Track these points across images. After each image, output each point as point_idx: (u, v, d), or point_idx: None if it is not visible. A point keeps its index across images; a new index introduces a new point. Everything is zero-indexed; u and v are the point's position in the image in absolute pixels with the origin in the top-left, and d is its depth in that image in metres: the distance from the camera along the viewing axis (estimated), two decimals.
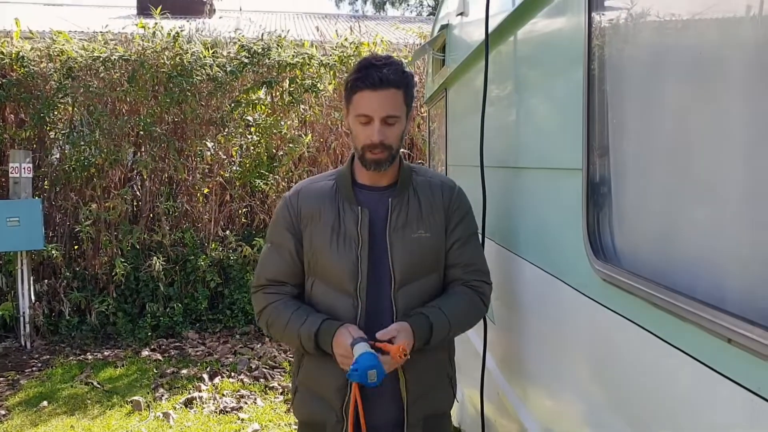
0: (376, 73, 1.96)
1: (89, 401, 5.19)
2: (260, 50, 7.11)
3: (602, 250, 1.48)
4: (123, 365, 5.98)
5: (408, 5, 26.28)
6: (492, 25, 2.39)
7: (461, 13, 3.28)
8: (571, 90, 1.64)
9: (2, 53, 6.89)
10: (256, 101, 7.19)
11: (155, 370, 5.84)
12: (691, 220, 1.21)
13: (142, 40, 7.00)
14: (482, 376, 2.46)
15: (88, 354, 6.32)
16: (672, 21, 1.28)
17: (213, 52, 7.08)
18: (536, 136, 2.10)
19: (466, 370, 2.78)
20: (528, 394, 2.22)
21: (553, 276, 1.88)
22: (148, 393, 5.32)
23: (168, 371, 5.80)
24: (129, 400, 5.13)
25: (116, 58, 6.77)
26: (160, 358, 6.18)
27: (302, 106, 7.38)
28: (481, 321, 2.34)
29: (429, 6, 24.45)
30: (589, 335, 1.63)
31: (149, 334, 6.63)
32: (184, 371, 5.80)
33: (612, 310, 1.43)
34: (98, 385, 5.50)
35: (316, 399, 2.13)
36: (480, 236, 2.36)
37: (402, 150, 7.73)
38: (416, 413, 2.08)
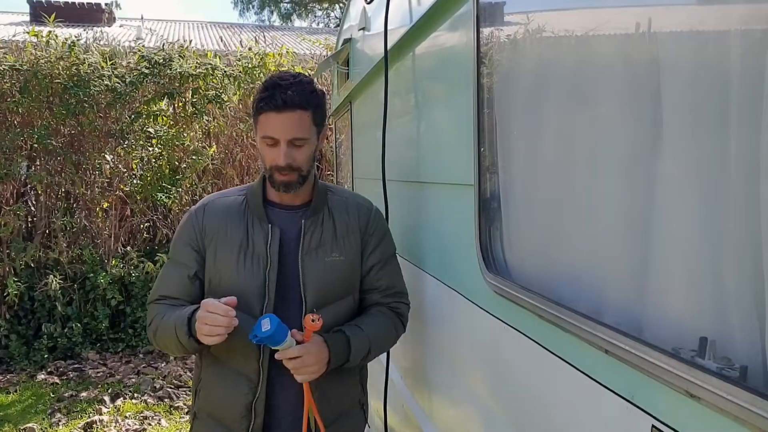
0: (280, 95, 1.87)
1: None
2: (161, 60, 6.93)
3: (494, 263, 1.53)
4: (16, 391, 5.66)
5: (315, 16, 26.26)
6: (391, 41, 2.43)
7: (363, 28, 3.31)
8: (463, 106, 1.68)
9: None
10: (158, 112, 7.00)
11: (52, 395, 5.57)
12: (573, 235, 1.26)
13: (35, 49, 6.70)
14: (386, 388, 2.48)
15: None
16: (555, 40, 1.34)
17: (112, 63, 6.86)
18: (434, 151, 2.15)
19: (372, 382, 2.79)
20: (430, 406, 2.25)
21: (451, 288, 1.92)
22: (43, 419, 5.06)
23: (66, 395, 5.54)
24: (22, 427, 4.87)
25: (6, 68, 6.45)
26: (58, 381, 5.90)
27: (206, 118, 7.24)
28: None
29: (336, 18, 24.52)
30: (485, 346, 1.67)
31: (46, 356, 6.32)
32: (84, 394, 5.56)
33: (503, 322, 1.47)
34: None
35: (218, 426, 2.01)
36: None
37: None
38: None
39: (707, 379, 0.79)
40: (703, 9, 0.95)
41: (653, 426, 0.91)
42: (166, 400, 5.47)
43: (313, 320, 1.79)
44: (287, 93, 1.88)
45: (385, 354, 2.46)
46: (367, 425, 2.25)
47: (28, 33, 7.01)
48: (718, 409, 0.78)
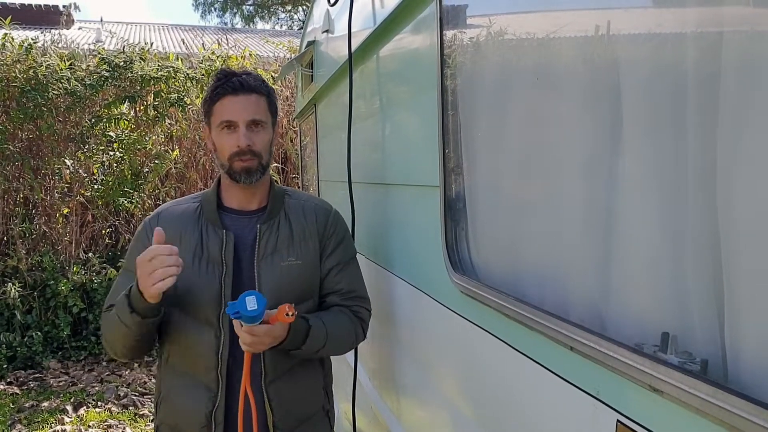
0: (236, 78, 1.93)
1: None
2: (122, 63, 6.83)
3: (460, 263, 1.54)
4: None
5: (278, 19, 26.12)
6: (355, 44, 2.43)
7: (326, 30, 3.30)
8: (428, 108, 1.69)
9: None
10: (119, 116, 6.91)
11: (12, 405, 5.44)
12: (538, 235, 1.28)
13: None
14: (354, 390, 2.48)
15: None
16: (517, 42, 1.36)
17: (71, 65, 6.74)
18: (399, 153, 2.15)
19: (340, 384, 2.79)
20: (398, 407, 2.26)
21: (419, 289, 1.92)
22: (3, 431, 4.94)
23: (27, 405, 5.42)
24: None
25: None
26: (18, 391, 5.77)
27: (168, 121, 7.16)
28: None
29: (299, 20, 24.42)
30: (452, 346, 1.68)
31: (5, 366, 6.16)
32: (45, 404, 5.44)
33: (470, 321, 1.48)
34: None
35: None
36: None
37: (276, 164, 7.58)
38: None
39: (669, 373, 0.80)
40: (660, 12, 0.97)
41: (618, 421, 0.93)
42: (130, 407, 5.39)
43: (287, 314, 1.72)
44: (242, 77, 1.95)
45: (353, 355, 2.45)
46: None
47: None
48: (680, 402, 0.79)
